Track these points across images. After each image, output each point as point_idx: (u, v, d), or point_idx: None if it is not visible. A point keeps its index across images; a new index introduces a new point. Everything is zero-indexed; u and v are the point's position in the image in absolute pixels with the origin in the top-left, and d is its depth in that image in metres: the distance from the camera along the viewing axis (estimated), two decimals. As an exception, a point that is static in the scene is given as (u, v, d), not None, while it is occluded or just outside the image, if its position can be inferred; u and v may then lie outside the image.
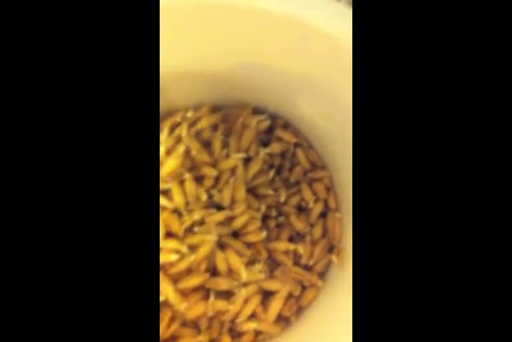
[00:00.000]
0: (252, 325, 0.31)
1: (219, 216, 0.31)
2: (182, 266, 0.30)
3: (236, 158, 0.32)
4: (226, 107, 0.35)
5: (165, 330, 0.30)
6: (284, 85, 0.30)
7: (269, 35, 0.25)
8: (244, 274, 0.31)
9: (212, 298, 0.30)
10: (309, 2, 0.23)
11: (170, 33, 0.26)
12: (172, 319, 0.30)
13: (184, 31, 0.27)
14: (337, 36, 0.23)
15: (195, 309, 0.30)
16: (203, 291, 0.31)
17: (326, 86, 0.28)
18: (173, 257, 0.30)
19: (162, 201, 0.31)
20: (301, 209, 0.35)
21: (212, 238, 0.30)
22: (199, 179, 0.33)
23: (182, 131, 0.32)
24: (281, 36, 0.24)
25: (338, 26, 0.23)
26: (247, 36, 0.26)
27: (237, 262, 0.31)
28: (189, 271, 0.31)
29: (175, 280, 0.30)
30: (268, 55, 0.27)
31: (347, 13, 0.22)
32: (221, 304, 0.30)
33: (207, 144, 0.33)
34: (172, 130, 0.33)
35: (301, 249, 0.33)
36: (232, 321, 0.31)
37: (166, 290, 0.29)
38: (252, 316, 0.31)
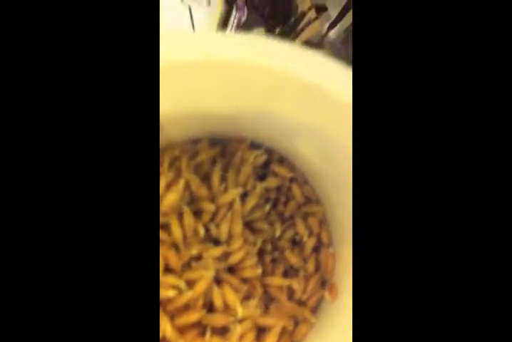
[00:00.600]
0: (246, 363, 0.31)
1: (217, 251, 0.32)
2: (180, 302, 0.30)
3: (234, 193, 0.33)
4: (223, 140, 0.35)
5: (160, 368, 0.29)
6: (282, 127, 0.30)
7: (272, 92, 0.25)
8: (240, 310, 0.31)
9: (208, 334, 0.30)
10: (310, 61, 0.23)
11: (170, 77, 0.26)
12: (169, 356, 0.30)
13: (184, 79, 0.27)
14: (338, 93, 0.23)
15: (192, 346, 0.30)
16: (200, 328, 0.31)
17: (324, 132, 0.28)
18: (171, 293, 0.29)
19: (161, 235, 0.31)
20: (295, 243, 0.35)
21: (209, 274, 0.30)
22: (197, 213, 0.33)
23: (182, 164, 0.32)
24: (283, 93, 0.25)
25: (339, 84, 0.23)
26: (250, 91, 0.27)
27: (232, 298, 0.31)
28: (186, 307, 0.30)
29: (173, 316, 0.30)
30: (268, 104, 0.28)
31: (347, 73, 0.23)
32: (217, 341, 0.30)
33: (205, 178, 0.33)
34: (171, 163, 0.33)
35: (295, 284, 0.33)
36: (227, 358, 0.31)
37: (164, 327, 0.29)
38: (247, 352, 0.31)
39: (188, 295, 0.30)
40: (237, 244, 0.32)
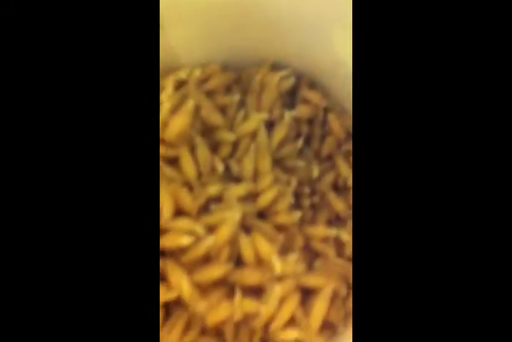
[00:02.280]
0: (291, 335, 0.23)
1: (240, 190, 0.25)
2: (199, 251, 0.23)
3: (256, 119, 0.26)
4: (239, 67, 0.28)
5: (178, 339, 0.21)
6: (316, 15, 0.24)
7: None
8: (278, 265, 0.23)
9: (238, 295, 0.22)
10: None
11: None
12: (189, 325, 0.22)
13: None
14: None
15: (217, 311, 0.22)
16: (226, 287, 0.23)
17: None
18: (186, 240, 0.22)
19: (169, 171, 0.24)
20: (338, 189, 0.28)
21: (234, 215, 0.23)
22: (213, 147, 0.26)
23: (190, 88, 0.26)
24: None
25: None
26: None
27: (267, 249, 0.24)
28: (207, 260, 0.23)
29: (190, 271, 0.22)
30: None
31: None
32: (250, 304, 0.23)
33: (219, 108, 0.27)
34: (177, 88, 0.26)
35: (344, 234, 0.26)
36: (265, 328, 0.23)
37: (179, 282, 0.22)
38: (291, 322, 0.24)
39: (208, 242, 0.22)
40: (265, 182, 0.25)
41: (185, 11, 0.25)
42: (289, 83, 0.28)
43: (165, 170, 0.24)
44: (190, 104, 0.25)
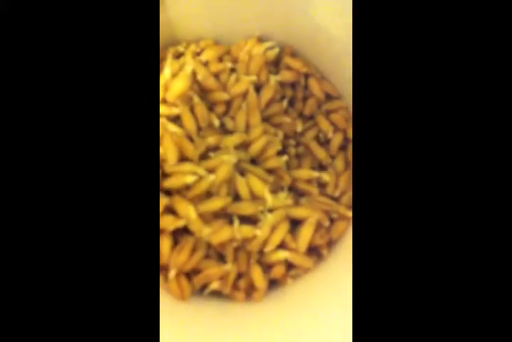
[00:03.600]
0: (282, 255, 0.28)
1: (235, 138, 0.29)
2: (202, 187, 0.27)
3: (246, 81, 0.30)
4: (229, 40, 0.33)
5: (187, 260, 0.26)
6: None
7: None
8: (270, 198, 0.28)
9: (236, 223, 0.27)
10: None
11: None
12: (195, 248, 0.26)
13: None
14: None
15: (220, 235, 0.26)
16: (225, 218, 0.27)
17: None
18: (190, 178, 0.27)
19: (172, 127, 0.28)
20: (319, 142, 0.32)
21: (230, 158, 0.28)
22: (209, 106, 0.30)
23: (187, 57, 0.30)
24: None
25: None
26: None
27: (259, 186, 0.28)
28: (209, 195, 0.27)
29: (194, 204, 0.27)
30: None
31: None
32: (247, 229, 0.27)
33: (213, 75, 0.31)
34: (176, 58, 0.31)
35: (325, 176, 0.30)
36: (261, 252, 0.28)
37: (186, 211, 0.26)
38: (282, 246, 0.28)
39: (209, 179, 0.27)
40: (256, 132, 0.29)
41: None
42: (274, 52, 0.32)
43: (169, 126, 0.28)
44: (188, 69, 0.29)
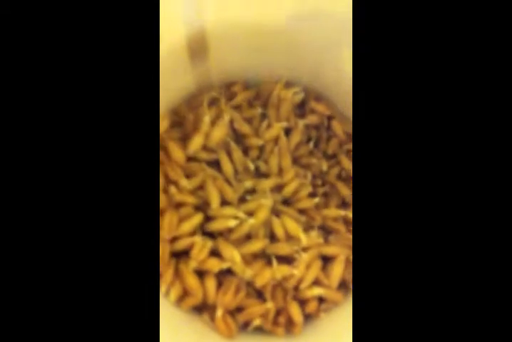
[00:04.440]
0: (317, 291, 0.30)
1: (270, 182, 0.31)
2: (243, 231, 0.29)
3: (278, 127, 0.32)
4: (258, 84, 0.35)
5: (231, 300, 0.28)
6: (330, 30, 0.29)
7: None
8: (304, 238, 0.30)
9: (275, 263, 0.29)
10: None
11: None
12: (238, 289, 0.29)
13: None
14: None
15: (262, 276, 0.29)
16: (264, 258, 0.30)
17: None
18: (232, 222, 0.29)
19: (212, 172, 0.30)
20: (342, 179, 0.35)
21: (268, 202, 0.30)
22: (244, 151, 0.32)
23: (222, 104, 0.32)
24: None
25: None
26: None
27: (294, 227, 0.30)
28: (248, 238, 0.30)
29: (236, 247, 0.29)
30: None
31: None
32: (285, 269, 0.29)
33: (245, 120, 0.33)
34: (210, 104, 0.33)
35: (350, 214, 0.33)
36: (296, 288, 0.30)
37: (231, 254, 0.28)
38: (315, 283, 0.30)
39: (250, 222, 0.29)
40: (289, 175, 0.32)
41: (230, 36, 0.30)
42: (300, 97, 0.34)
43: (209, 171, 0.31)
44: (226, 118, 0.31)
